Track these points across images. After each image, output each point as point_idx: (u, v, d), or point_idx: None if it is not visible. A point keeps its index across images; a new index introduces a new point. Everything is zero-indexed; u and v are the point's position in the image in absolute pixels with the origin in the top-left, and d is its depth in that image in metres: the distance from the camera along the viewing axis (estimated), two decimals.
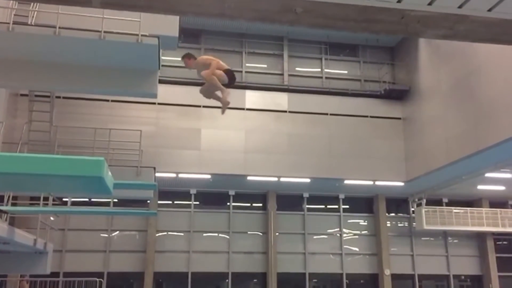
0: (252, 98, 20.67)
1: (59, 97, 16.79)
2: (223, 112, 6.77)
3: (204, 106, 19.97)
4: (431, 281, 23.96)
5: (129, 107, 19.23)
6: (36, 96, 15.06)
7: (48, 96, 14.85)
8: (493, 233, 23.57)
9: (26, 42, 9.38)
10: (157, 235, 21.34)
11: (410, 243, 23.56)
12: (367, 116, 21.34)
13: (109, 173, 6.08)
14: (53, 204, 11.71)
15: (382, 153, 20.68)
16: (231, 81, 6.54)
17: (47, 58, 9.78)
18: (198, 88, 20.26)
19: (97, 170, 5.42)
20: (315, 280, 22.52)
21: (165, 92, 17.71)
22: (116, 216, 21.05)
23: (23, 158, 5.39)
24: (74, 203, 18.63)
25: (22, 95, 16.14)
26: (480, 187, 21.51)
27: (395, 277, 22.46)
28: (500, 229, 22.84)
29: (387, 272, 22.23)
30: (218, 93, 6.80)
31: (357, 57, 23.37)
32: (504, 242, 24.71)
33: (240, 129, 20.04)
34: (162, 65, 14.56)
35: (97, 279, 16.02)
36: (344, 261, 22.63)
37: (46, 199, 11.93)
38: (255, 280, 22.44)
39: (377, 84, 22.23)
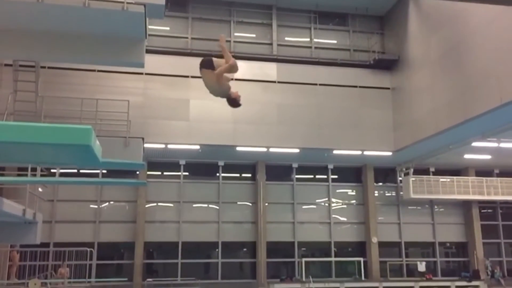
0: (241, 68, 20.06)
1: (44, 67, 16.51)
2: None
3: (192, 77, 19.79)
4: (417, 248, 24.49)
5: (116, 77, 19.00)
6: (21, 66, 14.78)
7: (33, 66, 14.58)
8: (478, 202, 24.02)
9: (9, 10, 9.14)
10: (146, 206, 21.43)
11: (397, 212, 23.96)
12: (356, 86, 21.35)
13: (97, 142, 6.05)
14: (41, 175, 11.65)
15: (370, 123, 20.78)
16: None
17: (30, 27, 9.56)
18: (185, 58, 20.26)
19: (85, 138, 5.36)
20: (304, 249, 22.89)
21: (152, 62, 17.48)
22: (105, 187, 21.06)
23: (9, 126, 5.31)
24: (62, 174, 18.59)
25: (6, 65, 15.82)
26: (466, 156, 21.79)
27: (382, 244, 22.93)
28: (485, 197, 23.26)
29: (374, 240, 22.66)
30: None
31: (346, 26, 23.18)
32: (489, 210, 25.21)
33: None
34: (150, 35, 14.36)
35: (88, 249, 16.10)
36: (333, 229, 22.99)
37: (34, 170, 11.85)
38: (244, 249, 22.76)
39: (366, 54, 22.14)
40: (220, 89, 6.02)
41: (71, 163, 8.48)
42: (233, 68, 6.12)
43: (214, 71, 5.97)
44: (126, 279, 19.38)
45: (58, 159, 7.47)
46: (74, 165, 9.81)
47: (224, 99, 6.42)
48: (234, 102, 6.21)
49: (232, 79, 6.56)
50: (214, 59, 6.24)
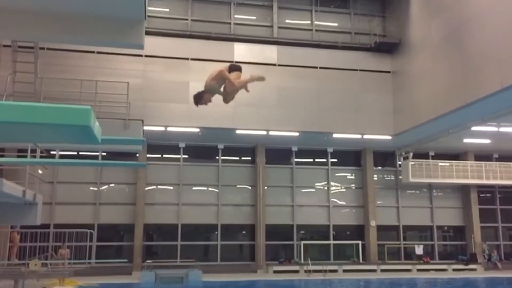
0: (241, 50, 20.39)
1: (43, 48, 16.39)
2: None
3: (192, 59, 19.75)
4: (415, 231, 24.66)
5: (116, 59, 18.90)
6: (20, 47, 14.68)
7: (32, 47, 14.48)
8: (477, 186, 24.12)
9: None
10: (146, 188, 21.51)
11: (396, 196, 24.06)
12: (356, 70, 21.25)
13: (97, 123, 6.05)
14: (41, 156, 11.64)
15: (370, 107, 20.75)
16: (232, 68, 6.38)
17: (29, 6, 9.45)
18: (185, 40, 20.12)
19: (84, 118, 5.36)
20: (303, 232, 23.03)
21: (152, 44, 17.38)
22: (105, 169, 21.10)
23: (8, 106, 5.31)
24: (62, 156, 18.62)
25: (5, 46, 15.70)
26: (466, 140, 21.80)
27: (380, 228, 23.08)
28: (484, 181, 23.34)
29: (373, 223, 22.79)
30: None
31: (347, 9, 23.00)
32: (488, 195, 25.32)
33: None
34: (149, 16, 14.22)
35: (88, 231, 16.17)
36: (331, 213, 23.12)
37: (34, 151, 11.84)
38: (244, 232, 22.90)
39: (367, 37, 22.00)
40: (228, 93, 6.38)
41: (70, 142, 8.45)
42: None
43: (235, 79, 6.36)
44: (126, 260, 19.53)
45: (57, 139, 7.48)
46: (74, 143, 9.79)
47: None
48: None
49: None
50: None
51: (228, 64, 6.63)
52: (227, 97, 6.45)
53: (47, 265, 14.81)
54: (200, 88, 6.52)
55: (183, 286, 17.67)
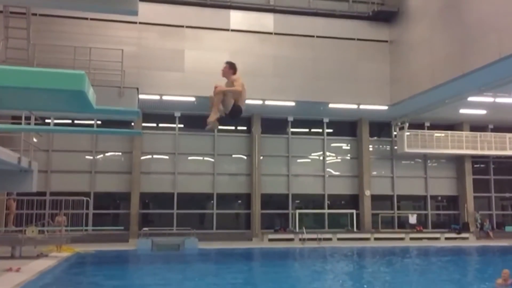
0: (237, 18, 20.08)
1: (35, 14, 16.10)
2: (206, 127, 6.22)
3: (187, 27, 19.45)
4: (409, 201, 24.93)
5: (110, 26, 18.59)
6: (12, 13, 14.40)
7: (24, 13, 14.21)
8: (471, 156, 24.27)
9: None
10: (142, 157, 21.52)
11: (391, 166, 24.22)
12: (353, 39, 21.01)
13: (91, 89, 5.97)
14: (35, 124, 11.58)
15: (367, 77, 20.61)
16: (232, 114, 6.13)
17: None
18: (180, 7, 19.79)
19: (78, 84, 5.28)
20: (298, 201, 23.22)
21: (146, 11, 17.12)
22: (100, 138, 21.05)
23: (1, 70, 5.21)
24: (57, 125, 18.50)
25: None
26: (462, 111, 21.80)
27: (374, 197, 23.31)
28: (478, 152, 23.48)
29: (367, 193, 23.00)
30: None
31: None
32: (482, 165, 25.52)
33: (224, 50, 19.62)
34: None
35: (84, 198, 16.27)
36: (326, 182, 23.28)
37: (28, 119, 11.78)
38: (239, 201, 23.07)
39: (365, 5, 21.64)
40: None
41: (65, 110, 8.39)
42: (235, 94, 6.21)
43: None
44: (122, 228, 19.71)
45: (51, 105, 7.40)
46: (68, 111, 9.72)
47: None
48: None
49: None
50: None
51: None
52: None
53: (44, 232, 14.94)
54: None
55: (180, 253, 17.88)
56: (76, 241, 16.33)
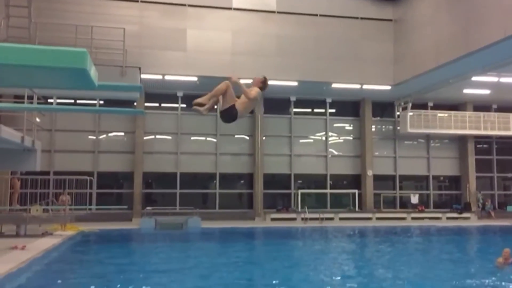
0: None
1: None
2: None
3: (189, 5, 19.27)
4: (411, 181, 24.99)
5: (111, 5, 18.45)
6: None
7: None
8: (474, 136, 24.23)
9: None
10: (145, 137, 21.56)
11: (394, 146, 24.21)
12: (357, 18, 20.79)
13: (93, 67, 5.96)
14: (38, 103, 11.58)
15: (370, 56, 20.45)
16: (226, 113, 6.02)
17: None
18: None
19: (81, 61, 5.27)
20: (300, 181, 23.30)
21: None
22: (103, 118, 21.06)
23: (2, 48, 5.20)
24: (59, 104, 18.51)
25: None
26: (466, 91, 21.68)
27: (377, 177, 23.36)
28: (482, 132, 23.43)
29: (370, 173, 23.04)
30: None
31: None
32: (484, 145, 25.48)
33: (227, 30, 19.50)
34: None
35: (88, 178, 16.35)
36: (329, 162, 23.32)
37: (30, 98, 11.78)
38: (242, 181, 23.15)
39: None
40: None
41: (67, 87, 8.38)
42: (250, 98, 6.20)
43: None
44: (126, 207, 19.85)
45: (53, 83, 7.40)
46: (71, 89, 9.70)
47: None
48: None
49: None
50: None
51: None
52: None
53: (49, 211, 15.07)
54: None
55: (183, 232, 18.04)
56: (80, 220, 16.48)
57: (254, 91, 6.19)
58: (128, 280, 8.84)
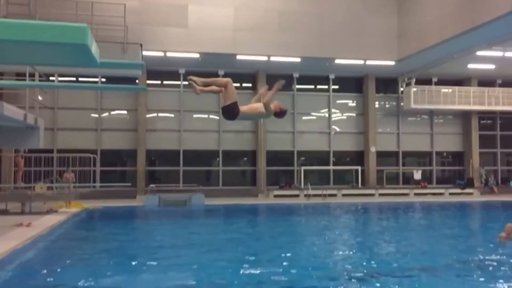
0: None
1: None
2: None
3: None
4: (414, 157, 24.98)
5: None
6: None
7: None
8: (478, 112, 24.12)
9: None
10: (147, 115, 21.54)
11: (397, 122, 24.13)
12: None
13: (94, 43, 5.89)
14: (39, 81, 11.53)
15: (374, 31, 20.21)
16: (226, 110, 5.98)
17: None
18: None
19: (81, 37, 5.20)
20: (303, 158, 23.31)
21: None
22: (105, 95, 21.02)
23: (3, 23, 5.14)
24: (61, 82, 18.40)
25: None
26: (470, 66, 21.49)
27: (380, 154, 23.37)
28: (486, 107, 23.31)
29: (373, 149, 23.03)
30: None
31: None
32: (488, 121, 25.38)
33: (229, 5, 19.26)
34: None
35: (91, 155, 16.40)
36: (332, 139, 23.29)
37: (32, 75, 11.72)
38: (245, 158, 23.19)
39: None
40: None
41: (68, 64, 8.31)
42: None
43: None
44: (129, 184, 19.95)
45: (55, 60, 7.34)
46: (72, 66, 9.62)
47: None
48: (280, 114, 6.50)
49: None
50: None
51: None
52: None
53: (53, 189, 15.16)
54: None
55: (186, 209, 18.15)
56: (84, 198, 16.60)
57: (272, 106, 6.28)
58: (133, 255, 8.93)
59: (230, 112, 5.94)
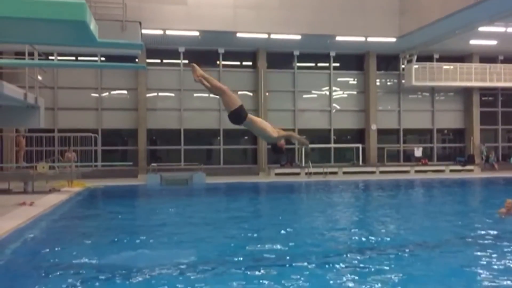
0: None
1: None
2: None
3: None
4: (415, 135, 24.98)
5: None
6: None
7: None
8: (479, 88, 24.03)
9: None
10: (147, 94, 21.48)
11: (398, 100, 24.05)
12: None
13: (93, 21, 5.83)
14: (39, 59, 11.46)
15: (375, 7, 19.98)
16: (232, 115, 5.89)
17: None
18: None
19: (80, 13, 5.16)
20: (304, 136, 23.20)
21: None
22: (105, 75, 20.94)
23: (1, 0, 5.08)
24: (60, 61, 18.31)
25: None
26: (472, 42, 21.31)
27: (381, 131, 23.35)
28: (487, 84, 23.21)
29: (374, 127, 23.01)
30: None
31: None
32: (490, 97, 25.30)
33: None
34: None
35: (92, 135, 16.42)
36: (333, 117, 23.26)
37: (31, 55, 11.65)
38: (246, 137, 23.17)
39: None
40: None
41: (68, 43, 8.26)
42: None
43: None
44: (131, 163, 20.02)
45: (54, 38, 7.30)
46: (71, 45, 9.58)
47: None
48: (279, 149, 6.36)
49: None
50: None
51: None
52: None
53: (55, 168, 15.22)
54: None
55: (188, 187, 18.25)
56: (86, 177, 16.68)
57: (279, 140, 6.23)
58: (136, 233, 9.01)
59: (238, 115, 5.89)
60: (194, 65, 5.88)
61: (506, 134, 25.63)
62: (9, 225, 8.47)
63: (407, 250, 7.60)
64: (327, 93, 23.43)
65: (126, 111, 21.33)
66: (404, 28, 19.80)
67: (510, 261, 6.77)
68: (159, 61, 22.07)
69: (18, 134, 16.21)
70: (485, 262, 6.61)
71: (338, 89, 23.61)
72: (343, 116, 23.58)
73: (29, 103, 10.78)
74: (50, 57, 16.94)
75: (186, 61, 21.83)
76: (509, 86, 23.53)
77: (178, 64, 21.89)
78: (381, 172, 22.26)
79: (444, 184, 19.22)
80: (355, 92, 23.80)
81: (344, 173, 21.85)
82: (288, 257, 7.10)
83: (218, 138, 22.30)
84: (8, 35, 6.31)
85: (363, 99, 23.54)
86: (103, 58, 18.36)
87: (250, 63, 22.71)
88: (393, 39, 20.50)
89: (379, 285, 5.58)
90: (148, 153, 21.42)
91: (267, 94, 22.21)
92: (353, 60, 23.71)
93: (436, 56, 23.72)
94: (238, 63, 22.92)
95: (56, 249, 7.60)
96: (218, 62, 22.21)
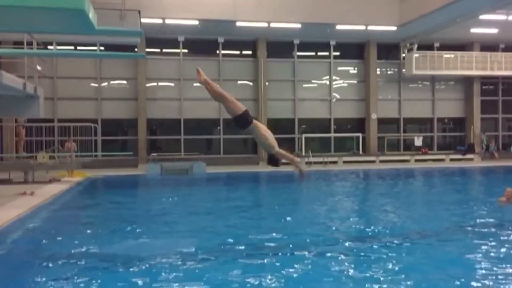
0: None
1: None
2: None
3: None
4: (415, 124, 24.94)
5: None
6: None
7: None
8: (480, 77, 23.95)
9: None
10: (147, 84, 21.41)
11: (398, 89, 23.99)
12: None
13: (92, 9, 5.80)
14: (37, 49, 11.40)
15: None
16: (238, 120, 5.85)
17: None
18: None
19: (78, 2, 5.14)
20: (304, 125, 23.26)
21: None
22: (104, 64, 20.85)
23: None
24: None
25: None
26: (473, 30, 21.19)
27: (381, 121, 23.32)
28: (488, 72, 23.12)
29: (374, 116, 22.98)
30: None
31: None
32: (490, 86, 25.22)
33: None
34: None
35: (92, 125, 16.40)
36: (333, 107, 23.21)
37: (30, 44, 11.59)
38: None
39: None
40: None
41: (66, 31, 8.21)
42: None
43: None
44: (131, 153, 20.01)
45: (52, 27, 7.26)
46: (70, 33, 9.52)
47: None
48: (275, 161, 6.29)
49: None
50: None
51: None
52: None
53: (55, 158, 15.22)
54: None
55: (188, 177, 18.26)
56: (86, 167, 16.68)
57: (277, 153, 6.19)
58: (137, 223, 9.03)
59: (244, 120, 5.89)
60: (199, 69, 5.93)
61: (506, 123, 25.61)
62: (10, 215, 8.48)
63: (407, 239, 7.62)
64: (327, 82, 23.36)
65: (125, 101, 21.29)
66: (404, 16, 19.69)
67: (510, 250, 6.79)
68: (158, 50, 21.98)
69: (18, 124, 16.19)
70: (484, 251, 6.62)
71: (338, 78, 23.53)
72: (343, 105, 23.53)
73: (29, 92, 10.74)
74: (49, 47, 16.88)
75: (186, 50, 21.74)
76: (510, 74, 23.47)
77: (177, 54, 21.80)
78: (381, 161, 22.26)
79: (444, 173, 19.23)
80: (355, 81, 23.72)
81: (344, 162, 21.86)
82: (288, 246, 7.12)
83: (218, 127, 22.27)
84: (6, 24, 6.28)
85: (363, 88, 23.48)
86: (102, 48, 18.29)
87: (250, 52, 22.61)
88: (394, 28, 20.39)
89: (380, 273, 5.59)
90: (148, 143, 21.41)
91: (267, 83, 22.14)
92: (353, 49, 23.61)
93: (436, 44, 23.62)
94: (238, 52, 22.83)
95: (57, 238, 7.61)
96: (217, 52, 22.11)
